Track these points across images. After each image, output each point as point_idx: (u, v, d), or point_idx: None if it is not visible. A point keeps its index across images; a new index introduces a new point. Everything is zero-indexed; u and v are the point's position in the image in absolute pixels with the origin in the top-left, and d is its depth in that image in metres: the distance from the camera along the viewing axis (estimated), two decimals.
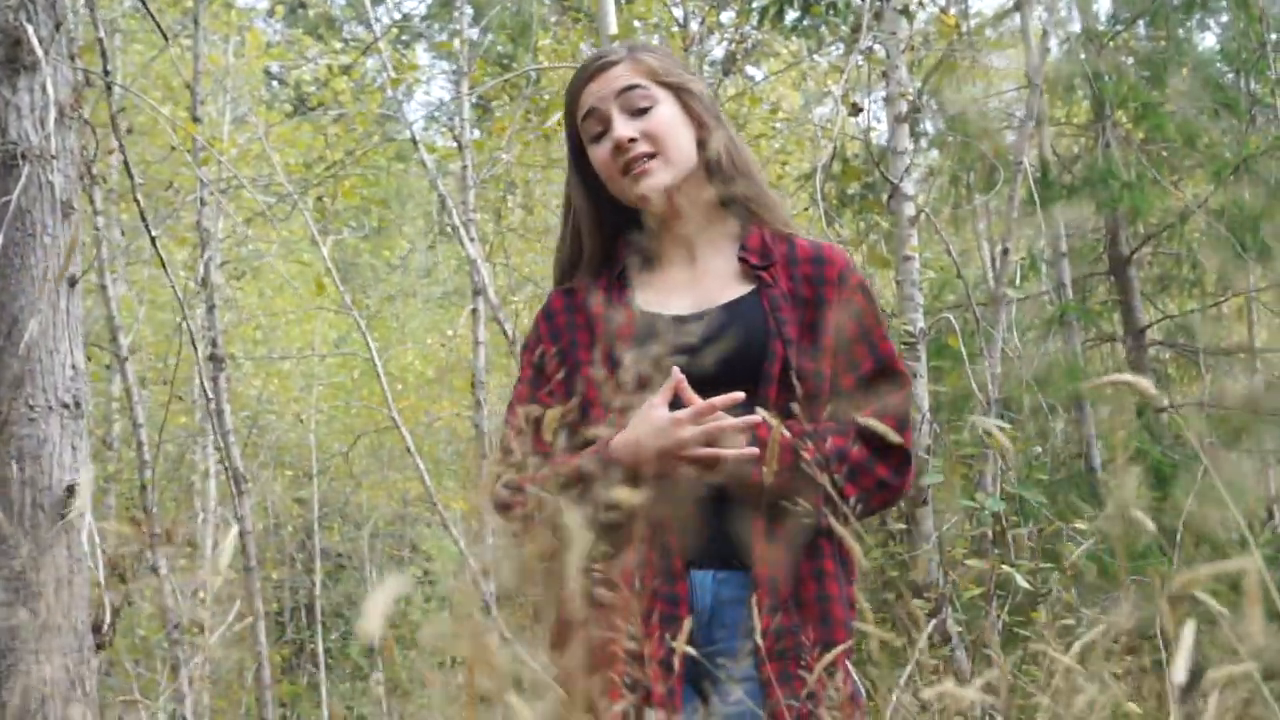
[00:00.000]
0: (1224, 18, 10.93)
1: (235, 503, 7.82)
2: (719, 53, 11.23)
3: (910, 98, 7.10)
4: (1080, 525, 6.89)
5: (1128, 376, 1.36)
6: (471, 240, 8.20)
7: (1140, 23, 10.36)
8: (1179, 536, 6.25)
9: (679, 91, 2.63)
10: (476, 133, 9.86)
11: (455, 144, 9.16)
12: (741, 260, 2.60)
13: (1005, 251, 7.55)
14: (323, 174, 9.82)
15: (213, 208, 8.05)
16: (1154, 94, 9.94)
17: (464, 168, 8.94)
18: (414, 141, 8.15)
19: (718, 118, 2.65)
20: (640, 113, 2.59)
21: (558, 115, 8.23)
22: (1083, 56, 9.79)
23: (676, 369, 2.38)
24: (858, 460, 2.48)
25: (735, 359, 2.42)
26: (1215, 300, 10.99)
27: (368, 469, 14.48)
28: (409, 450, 7.90)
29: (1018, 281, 8.45)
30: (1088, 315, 10.45)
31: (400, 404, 11.19)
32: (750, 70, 12.46)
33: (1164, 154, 10.39)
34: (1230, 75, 10.57)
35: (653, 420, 2.38)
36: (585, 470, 2.38)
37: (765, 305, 2.53)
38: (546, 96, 9.51)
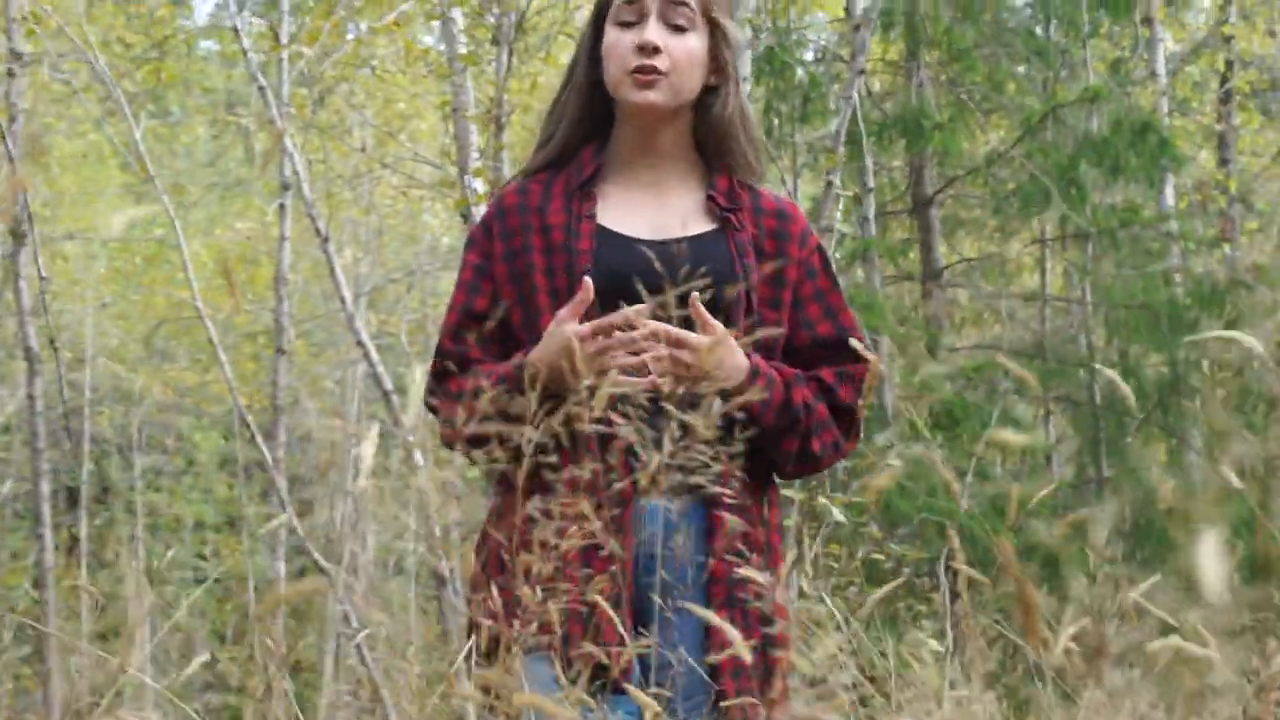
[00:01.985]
0: None
1: (28, 381, 7.68)
2: None
3: (753, 21, 7.26)
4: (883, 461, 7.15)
5: (1235, 334, 1.50)
6: (286, 133, 8.09)
7: None
8: (967, 476, 6.59)
9: (716, 30, 2.60)
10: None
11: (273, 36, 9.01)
12: (710, 199, 2.61)
13: (830, 184, 7.81)
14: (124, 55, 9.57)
15: (20, 82, 7.81)
16: (965, 37, 10.24)
17: (280, 60, 8.80)
18: (235, 30, 8.04)
19: (737, 71, 2.64)
20: (675, 29, 2.56)
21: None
22: None
23: (588, 280, 2.39)
24: (822, 416, 2.54)
25: (702, 293, 2.39)
26: (1010, 246, 11.44)
27: (144, 357, 14.22)
28: (211, 341, 7.84)
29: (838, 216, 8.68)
30: (889, 252, 10.81)
31: (183, 293, 11.00)
32: None
33: (972, 98, 10.75)
34: (1040, 25, 10.95)
35: (556, 337, 2.38)
36: (510, 382, 2.38)
37: (732, 246, 2.55)
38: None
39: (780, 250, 2.60)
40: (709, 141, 2.63)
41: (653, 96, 2.54)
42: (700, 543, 2.44)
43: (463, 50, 6.85)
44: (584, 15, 12.13)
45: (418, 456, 4.63)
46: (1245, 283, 9.32)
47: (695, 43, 2.58)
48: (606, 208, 2.59)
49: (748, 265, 2.53)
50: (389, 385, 6.90)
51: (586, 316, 2.40)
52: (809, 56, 10.59)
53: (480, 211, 6.26)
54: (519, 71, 8.01)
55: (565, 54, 11.25)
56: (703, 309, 2.37)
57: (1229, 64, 13.25)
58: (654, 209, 2.61)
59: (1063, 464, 11.20)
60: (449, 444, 2.48)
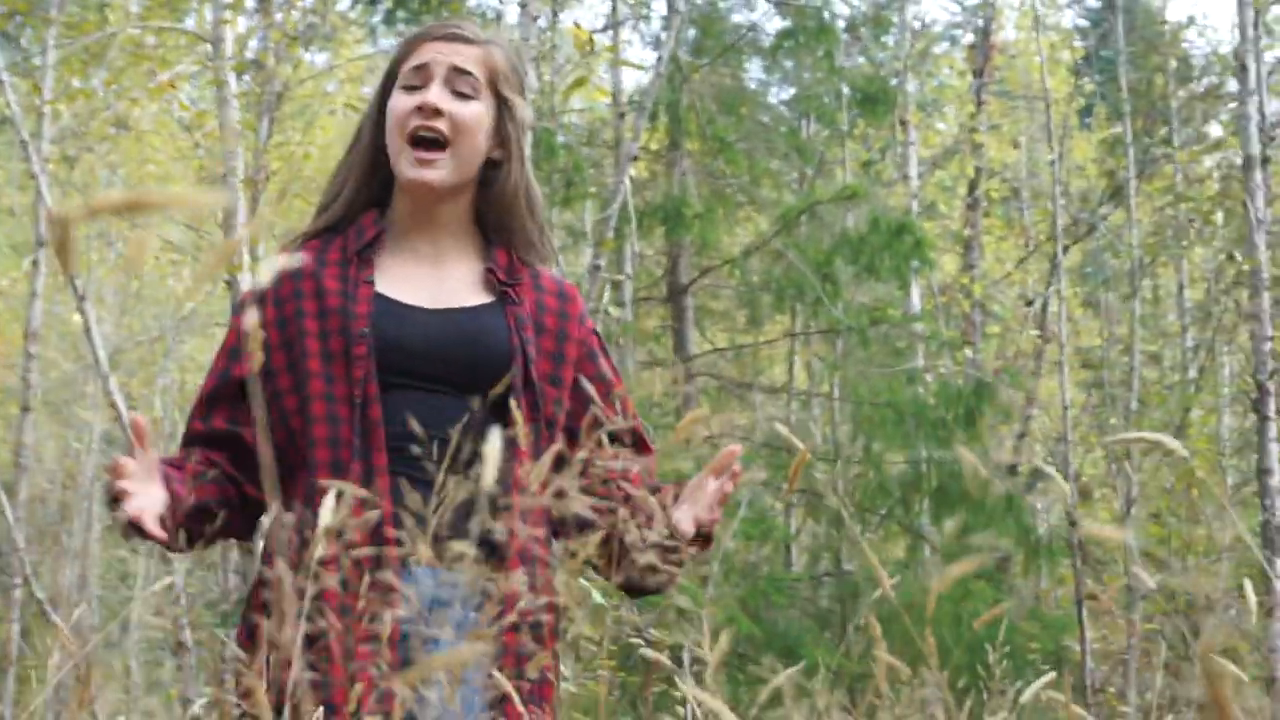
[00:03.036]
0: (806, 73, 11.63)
1: None
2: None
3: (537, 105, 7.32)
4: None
5: (1152, 435, 1.58)
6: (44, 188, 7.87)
7: (723, 60, 10.90)
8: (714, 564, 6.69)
9: (504, 105, 2.59)
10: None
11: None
12: (488, 271, 2.59)
13: (597, 268, 7.89)
14: None
15: None
16: (727, 129, 10.49)
17: (40, 116, 8.57)
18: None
19: (522, 148, 2.63)
20: (460, 96, 2.55)
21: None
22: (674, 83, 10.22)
23: (140, 419, 2.35)
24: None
25: (478, 365, 2.42)
26: (759, 338, 11.68)
27: None
28: None
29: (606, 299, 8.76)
30: (643, 338, 10.96)
31: None
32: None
33: (731, 190, 10.99)
34: (800, 122, 11.28)
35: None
36: None
37: (510, 320, 2.53)
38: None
39: (561, 328, 2.59)
40: (490, 217, 2.61)
41: (429, 175, 2.52)
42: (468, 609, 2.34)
43: (236, 115, 6.74)
44: (340, 88, 12.27)
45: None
46: (989, 384, 9.67)
47: (481, 112, 2.56)
48: (384, 276, 2.54)
49: (525, 338, 2.51)
50: None
51: (374, 381, 2.41)
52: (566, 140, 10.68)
53: (246, 279, 6.18)
54: (275, 141, 7.96)
55: (323, 125, 11.31)
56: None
57: (977, 171, 13.79)
58: (432, 280, 2.57)
59: (799, 556, 11.44)
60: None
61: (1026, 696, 2.19)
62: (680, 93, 10.29)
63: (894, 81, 11.74)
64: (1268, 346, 8.68)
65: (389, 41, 12.11)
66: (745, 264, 10.61)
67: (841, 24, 11.00)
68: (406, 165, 2.51)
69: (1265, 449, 8.67)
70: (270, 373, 2.48)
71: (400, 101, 2.54)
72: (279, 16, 6.91)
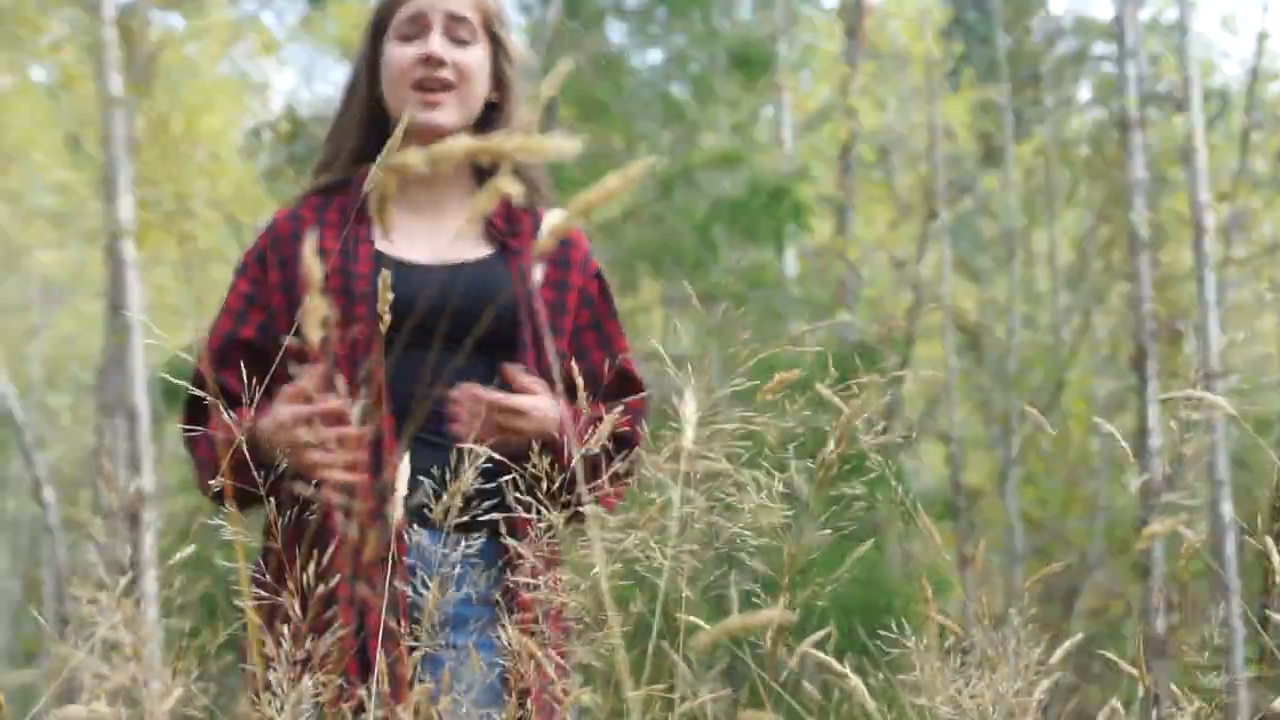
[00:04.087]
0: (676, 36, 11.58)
1: None
2: None
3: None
4: None
5: (1197, 393, 1.52)
6: None
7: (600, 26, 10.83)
8: None
9: (499, 45, 2.57)
10: None
11: None
12: (489, 222, 2.54)
13: None
14: None
15: None
16: (604, 94, 10.41)
17: None
18: None
19: (519, 88, 2.60)
20: (458, 43, 2.53)
21: None
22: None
23: (317, 369, 2.28)
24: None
25: (477, 319, 2.38)
26: (635, 304, 11.62)
27: None
28: None
29: None
30: None
31: None
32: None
33: (607, 156, 10.90)
34: (675, 86, 11.21)
35: (274, 413, 2.30)
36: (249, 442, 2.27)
37: (514, 271, 2.50)
38: None
39: (561, 277, 2.56)
40: (490, 163, 2.57)
41: (439, 118, 2.50)
42: (488, 576, 2.33)
43: (117, 81, 6.55)
44: (202, 52, 12.02)
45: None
46: (870, 347, 9.71)
47: (481, 55, 2.55)
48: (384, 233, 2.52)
49: (529, 290, 2.48)
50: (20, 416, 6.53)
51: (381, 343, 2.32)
52: None
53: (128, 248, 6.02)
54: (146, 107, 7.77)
55: (187, 92, 11.04)
56: (522, 376, 2.35)
57: (851, 134, 13.84)
58: (432, 233, 2.54)
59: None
60: (203, 490, 2.41)
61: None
62: (554, 56, 10.18)
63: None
64: (1146, 307, 8.79)
65: (253, 5, 11.91)
66: (621, 229, 10.54)
67: None
68: (414, 109, 2.48)
69: (1145, 409, 8.79)
70: (276, 335, 2.43)
71: (401, 52, 2.53)
72: None
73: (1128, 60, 8.85)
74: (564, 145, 0.97)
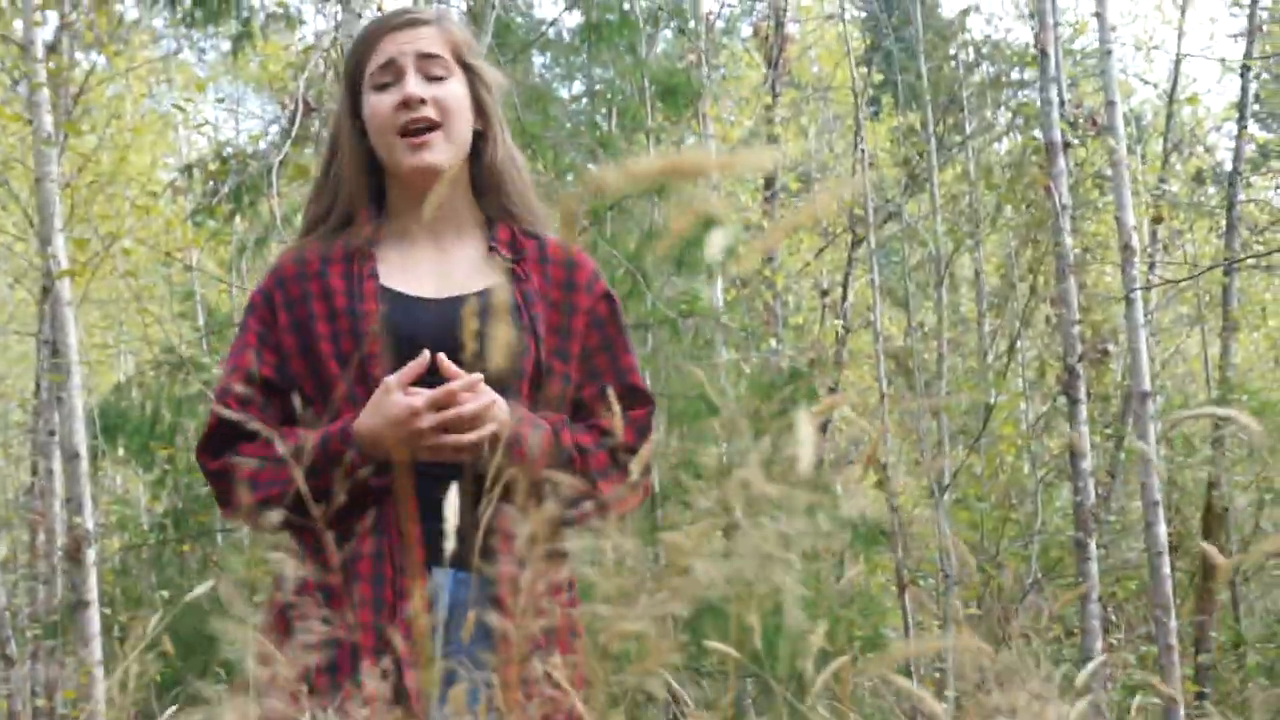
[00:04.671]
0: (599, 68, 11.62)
1: None
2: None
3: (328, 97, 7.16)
4: None
5: (1222, 410, 1.56)
6: None
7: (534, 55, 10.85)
8: None
9: (473, 75, 2.60)
10: None
11: None
12: (492, 249, 2.57)
13: None
14: None
15: None
16: (535, 125, 10.42)
17: None
18: None
19: (500, 114, 2.64)
20: (434, 80, 2.55)
21: None
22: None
23: (426, 353, 2.34)
24: (601, 462, 2.50)
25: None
26: None
27: None
28: None
29: None
30: None
31: None
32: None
33: (539, 186, 10.90)
34: (603, 117, 11.25)
35: (389, 408, 2.32)
36: (326, 450, 2.36)
37: (518, 299, 2.50)
38: None
39: (567, 300, 2.57)
40: (486, 190, 2.62)
41: (431, 158, 2.51)
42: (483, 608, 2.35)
43: (49, 120, 6.51)
44: (125, 91, 11.94)
45: None
46: (803, 373, 9.76)
47: (459, 88, 2.57)
48: (389, 268, 2.54)
49: (535, 316, 2.50)
50: None
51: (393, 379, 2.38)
52: None
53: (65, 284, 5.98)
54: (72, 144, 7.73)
55: (116, 130, 10.99)
56: (450, 365, 2.36)
57: (775, 163, 13.91)
58: (437, 266, 2.57)
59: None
60: (234, 509, 2.45)
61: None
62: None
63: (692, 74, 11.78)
64: (1075, 330, 8.89)
65: (171, 43, 11.83)
66: None
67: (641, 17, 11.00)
68: (405, 155, 2.52)
69: (1077, 432, 8.88)
70: (293, 378, 2.46)
71: (380, 101, 2.55)
72: (76, 19, 6.72)
73: (1050, 84, 8.96)
74: (767, 158, 0.97)
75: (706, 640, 2.01)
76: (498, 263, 2.56)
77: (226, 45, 12.77)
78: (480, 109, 2.61)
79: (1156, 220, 10.94)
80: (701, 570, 1.32)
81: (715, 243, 0.95)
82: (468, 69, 2.60)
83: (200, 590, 2.31)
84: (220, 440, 2.48)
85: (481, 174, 2.61)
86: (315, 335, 2.47)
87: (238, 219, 8.51)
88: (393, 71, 2.55)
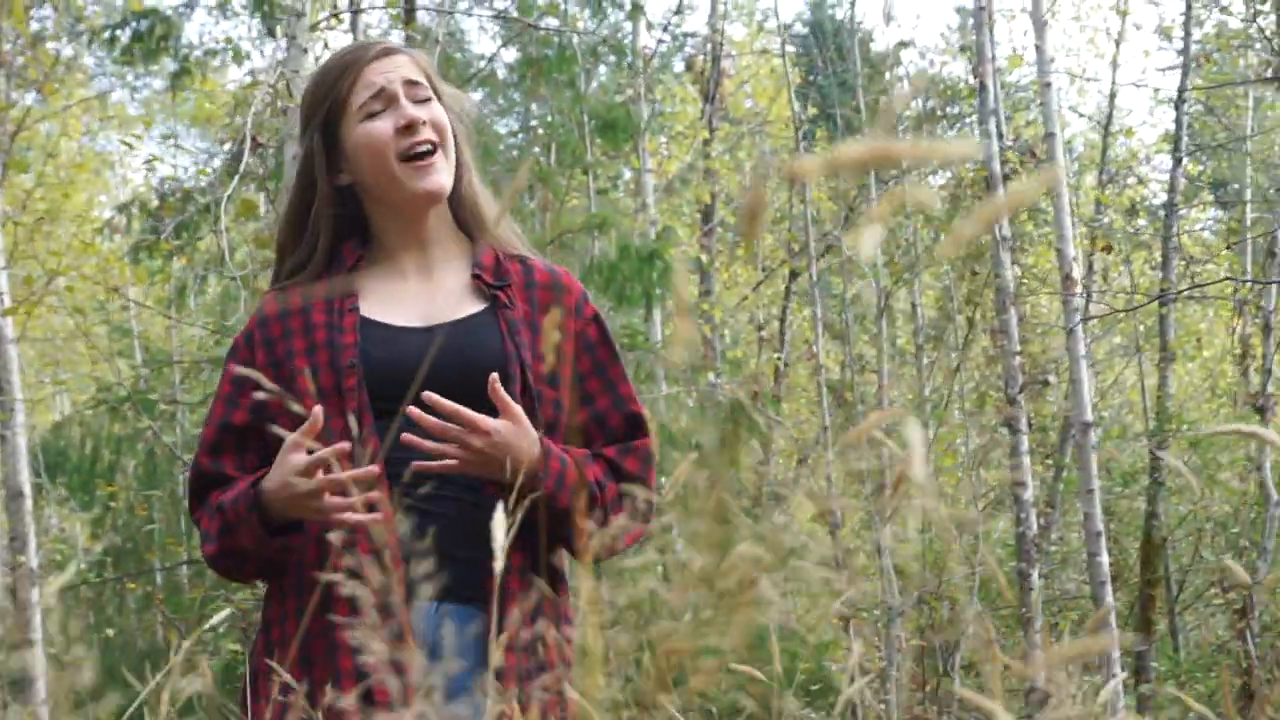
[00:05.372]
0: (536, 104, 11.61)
1: None
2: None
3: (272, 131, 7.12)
4: None
5: (1248, 428, 1.54)
6: None
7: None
8: None
9: (444, 101, 2.59)
10: None
11: None
12: (475, 277, 2.54)
13: None
14: None
15: None
16: (477, 162, 10.41)
17: None
18: None
19: (469, 139, 2.62)
20: (422, 103, 2.53)
21: None
22: None
23: (318, 409, 2.27)
24: (613, 494, 2.48)
25: (474, 380, 2.35)
26: None
27: None
28: None
29: None
30: None
31: None
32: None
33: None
34: (543, 153, 11.25)
35: (283, 467, 2.31)
36: (236, 510, 2.37)
37: (503, 325, 2.48)
38: None
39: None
40: (467, 216, 2.60)
41: (437, 181, 2.50)
42: (475, 643, 2.27)
43: None
44: (60, 130, 11.87)
45: None
46: (744, 406, 9.76)
47: (441, 111, 2.56)
48: (372, 300, 2.51)
49: (520, 343, 2.47)
50: None
51: (375, 413, 2.39)
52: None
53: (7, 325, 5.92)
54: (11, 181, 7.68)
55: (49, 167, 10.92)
56: (501, 391, 2.33)
57: (712, 197, 13.96)
58: (422, 296, 2.54)
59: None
60: (209, 563, 2.46)
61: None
62: None
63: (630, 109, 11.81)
64: (1017, 361, 8.94)
65: (104, 81, 11.76)
66: None
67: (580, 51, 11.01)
68: (411, 179, 2.49)
69: (1018, 462, 8.93)
70: (271, 416, 2.39)
71: (376, 128, 2.51)
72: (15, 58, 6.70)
73: (990, 117, 9.03)
74: (966, 148, 0.94)
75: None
76: (482, 289, 2.54)
77: (159, 83, 12.76)
78: (454, 135, 2.60)
79: (1105, 250, 11.02)
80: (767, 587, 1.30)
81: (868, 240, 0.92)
82: (439, 95, 2.59)
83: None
84: (198, 488, 2.50)
85: (461, 201, 2.59)
86: (294, 371, 2.44)
87: (174, 258, 8.45)
88: (384, 99, 2.52)
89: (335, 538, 2.24)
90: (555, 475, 2.38)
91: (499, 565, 1.56)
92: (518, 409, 2.35)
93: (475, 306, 2.52)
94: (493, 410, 2.36)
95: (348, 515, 2.27)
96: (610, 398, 2.57)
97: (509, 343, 2.47)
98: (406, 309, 2.52)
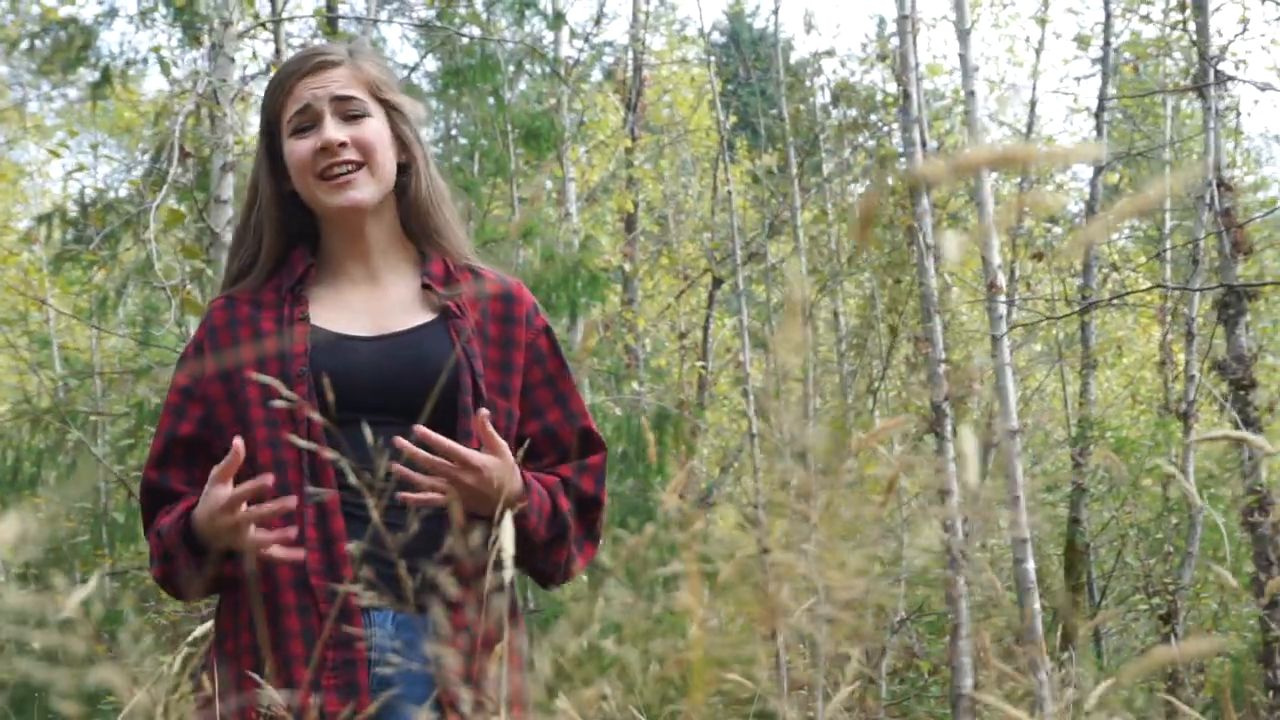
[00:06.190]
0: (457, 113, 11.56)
1: None
2: None
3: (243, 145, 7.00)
4: None
5: (1236, 433, 1.54)
6: None
7: None
8: None
9: (391, 109, 2.56)
10: None
11: None
12: (425, 287, 2.53)
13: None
14: None
15: None
16: None
17: None
18: None
19: (421, 143, 2.59)
20: (353, 119, 2.50)
21: None
22: None
23: (238, 442, 2.27)
24: (575, 520, 2.51)
25: (423, 390, 2.33)
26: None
27: None
28: None
29: None
30: None
31: None
32: None
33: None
34: (466, 163, 11.20)
35: (208, 501, 2.30)
36: (172, 537, 2.37)
37: (453, 335, 2.46)
38: None
39: (507, 334, 2.53)
40: (415, 224, 2.58)
41: (354, 195, 2.48)
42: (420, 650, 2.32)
43: None
44: None
45: None
46: (671, 414, 9.75)
47: (377, 125, 2.52)
48: (322, 309, 2.50)
49: (471, 352, 2.44)
50: None
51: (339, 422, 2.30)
52: None
53: None
54: None
55: None
56: (490, 428, 2.31)
57: (635, 205, 13.96)
58: (371, 304, 2.53)
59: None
60: (158, 584, 2.46)
61: None
62: None
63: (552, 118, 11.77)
64: (942, 369, 8.97)
65: (18, 91, 11.59)
66: None
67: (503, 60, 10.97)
68: (328, 196, 2.48)
69: (945, 470, 8.95)
70: (219, 427, 2.41)
71: (298, 147, 2.50)
72: None
73: (913, 126, 9.07)
74: (1091, 150, 0.92)
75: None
76: (432, 299, 2.52)
77: (74, 93, 12.58)
78: (402, 143, 2.56)
79: (1036, 258, 11.10)
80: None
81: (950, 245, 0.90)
82: (386, 104, 2.56)
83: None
84: (148, 504, 2.49)
85: (408, 208, 2.56)
86: (243, 380, 2.42)
87: (96, 268, 8.32)
88: (310, 116, 2.51)
89: (282, 553, 2.25)
90: (536, 510, 2.40)
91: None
92: (502, 443, 2.34)
93: (425, 316, 2.51)
94: (443, 423, 2.34)
95: (272, 551, 2.29)
96: (562, 412, 2.56)
97: (460, 351, 2.44)
98: (356, 318, 2.51)
